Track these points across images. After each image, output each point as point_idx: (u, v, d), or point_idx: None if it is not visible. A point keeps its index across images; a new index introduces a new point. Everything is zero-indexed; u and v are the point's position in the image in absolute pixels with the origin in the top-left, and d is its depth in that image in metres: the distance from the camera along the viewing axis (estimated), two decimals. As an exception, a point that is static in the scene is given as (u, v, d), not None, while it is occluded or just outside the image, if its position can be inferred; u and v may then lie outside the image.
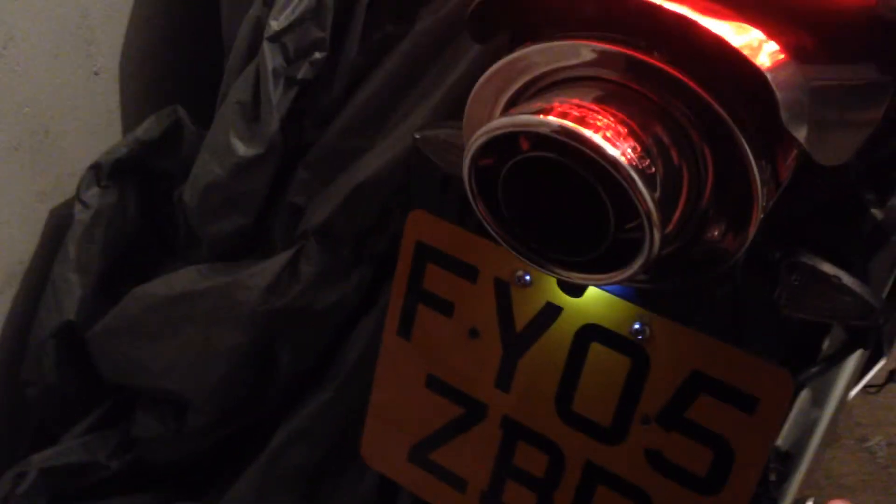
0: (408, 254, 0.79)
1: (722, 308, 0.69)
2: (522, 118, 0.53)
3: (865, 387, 1.49)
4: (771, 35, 0.54)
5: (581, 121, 0.51)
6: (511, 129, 0.53)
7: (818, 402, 1.00)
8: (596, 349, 0.71)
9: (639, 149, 0.51)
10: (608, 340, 0.70)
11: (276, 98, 1.09)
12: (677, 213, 0.56)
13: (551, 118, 0.51)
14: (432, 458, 0.82)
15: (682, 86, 0.54)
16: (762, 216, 0.57)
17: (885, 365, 1.34)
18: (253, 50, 1.15)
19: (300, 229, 1.12)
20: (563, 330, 0.72)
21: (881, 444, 1.74)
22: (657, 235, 0.51)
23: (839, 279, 0.62)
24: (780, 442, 0.88)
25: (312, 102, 1.13)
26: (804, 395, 0.98)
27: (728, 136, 0.54)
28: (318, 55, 1.10)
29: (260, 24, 1.15)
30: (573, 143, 0.50)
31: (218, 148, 1.12)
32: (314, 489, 1.14)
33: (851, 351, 0.80)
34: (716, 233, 0.60)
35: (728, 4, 0.55)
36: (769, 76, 0.51)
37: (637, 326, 0.68)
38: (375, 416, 0.85)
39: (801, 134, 0.53)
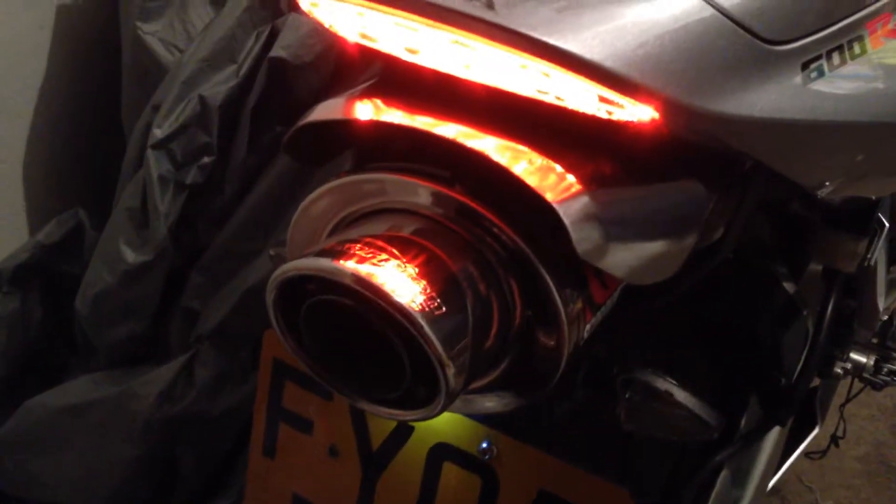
0: (266, 371, 0.77)
1: (564, 425, 0.68)
2: (314, 262, 0.52)
3: (808, 454, 1.48)
4: (569, 165, 0.54)
5: (374, 266, 0.50)
6: (304, 272, 0.52)
7: (739, 482, 0.99)
8: (448, 468, 0.70)
9: (429, 290, 0.50)
10: (459, 459, 0.69)
11: (165, 205, 1.09)
12: (490, 341, 0.55)
13: (343, 264, 0.50)
14: (302, 580, 0.79)
15: (485, 218, 0.53)
16: (575, 340, 0.56)
17: (825, 430, 1.33)
18: (140, 157, 1.15)
19: (195, 333, 1.11)
20: (416, 448, 0.71)
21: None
22: (451, 374, 0.50)
23: (671, 395, 0.62)
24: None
25: (204, 206, 1.12)
26: (723, 476, 0.97)
27: (532, 268, 0.54)
28: (206, 159, 1.10)
29: (147, 132, 1.15)
30: (364, 291, 0.49)
31: (108, 255, 1.11)
32: None
33: (768, 429, 0.78)
34: (541, 350, 0.59)
35: (527, 137, 0.55)
36: (560, 209, 0.51)
37: (484, 445, 0.67)
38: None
39: (601, 262, 0.53)
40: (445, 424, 0.69)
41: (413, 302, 0.49)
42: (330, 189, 0.60)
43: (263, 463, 0.80)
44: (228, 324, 1.09)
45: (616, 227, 0.54)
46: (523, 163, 0.53)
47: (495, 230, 0.54)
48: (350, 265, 0.50)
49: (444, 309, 0.50)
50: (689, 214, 0.59)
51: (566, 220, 0.51)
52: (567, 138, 0.56)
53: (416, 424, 0.70)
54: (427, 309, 0.49)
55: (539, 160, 0.54)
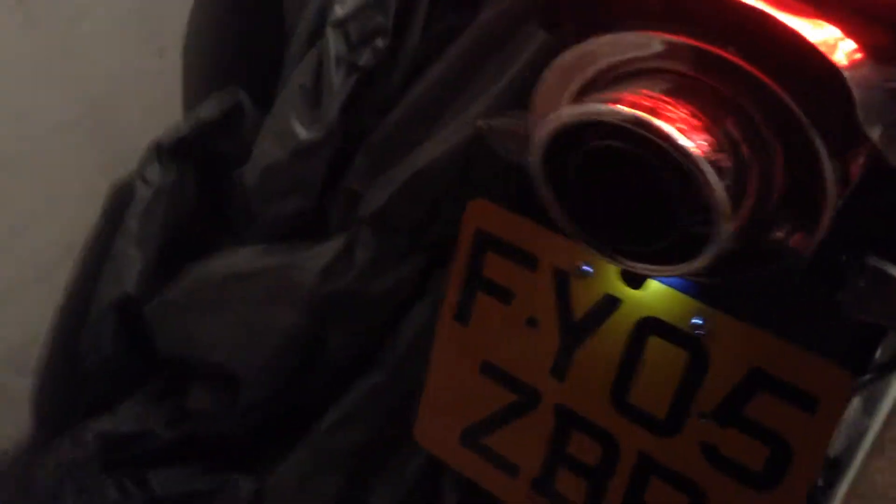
0: (467, 241, 0.80)
1: (783, 306, 0.69)
2: (594, 107, 0.53)
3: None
4: (847, 33, 0.54)
5: (653, 111, 0.51)
6: (583, 117, 0.53)
7: (868, 410, 1.00)
8: (654, 342, 0.71)
9: (711, 141, 0.51)
10: (667, 334, 0.71)
11: (338, 84, 1.11)
12: (746, 210, 0.56)
13: (623, 108, 0.52)
14: (484, 443, 0.83)
15: (755, 81, 0.54)
16: (832, 216, 0.57)
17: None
18: (315, 35, 1.17)
19: (357, 215, 1.14)
20: (621, 322, 0.73)
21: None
22: (727, 229, 0.52)
23: (906, 283, 0.62)
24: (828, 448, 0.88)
25: (372, 90, 1.14)
26: (855, 402, 0.97)
27: (801, 134, 0.54)
28: (380, 43, 1.11)
29: (323, 9, 1.16)
30: (645, 133, 0.50)
31: (279, 131, 1.14)
32: (361, 470, 1.16)
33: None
34: (783, 231, 0.60)
35: (803, 1, 0.55)
36: (846, 74, 0.51)
37: (697, 321, 0.69)
38: (429, 398, 0.86)
39: (874, 133, 0.53)
40: (656, 299, 0.71)
41: (699, 147, 0.50)
42: (579, 52, 0.60)
43: (455, 328, 0.82)
44: (390, 208, 1.11)
45: (891, 101, 0.54)
46: (803, 23, 0.53)
47: (766, 95, 0.54)
48: (632, 110, 0.51)
49: (726, 163, 0.51)
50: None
51: (851, 85, 0.51)
52: (841, 5, 0.56)
53: (624, 298, 0.72)
54: (712, 157, 0.50)
55: (818, 23, 0.54)
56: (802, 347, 0.65)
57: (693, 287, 0.69)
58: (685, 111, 0.52)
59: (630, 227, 0.56)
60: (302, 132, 1.12)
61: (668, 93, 0.54)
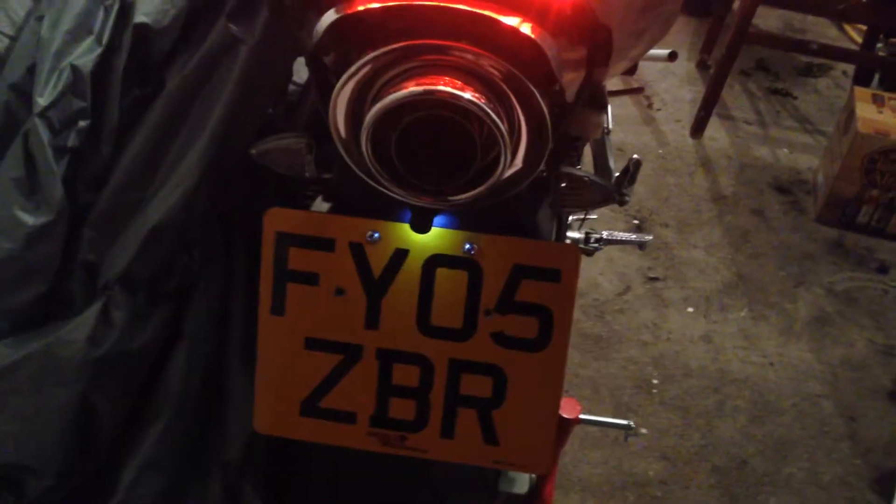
0: (269, 245, 0.97)
1: (521, 216, 0.98)
2: (404, 93, 0.77)
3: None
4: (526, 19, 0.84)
5: (444, 85, 0.77)
6: (400, 101, 0.77)
7: None
8: (441, 273, 0.96)
9: (484, 98, 0.78)
10: (448, 263, 0.96)
11: (55, 167, 1.18)
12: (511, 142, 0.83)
13: (427, 86, 0.76)
14: (322, 406, 1.00)
15: (489, 58, 0.81)
16: (549, 144, 0.87)
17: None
18: (8, 132, 1.22)
19: (101, 282, 1.21)
20: (412, 266, 0.96)
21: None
22: (508, 153, 0.79)
23: (589, 178, 0.95)
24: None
25: (83, 167, 1.23)
26: None
27: (523, 85, 0.82)
28: (82, 123, 1.21)
29: (8, 105, 1.22)
30: (452, 101, 0.75)
31: (3, 225, 1.17)
32: (169, 512, 1.23)
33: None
34: (521, 159, 0.88)
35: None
36: (540, 43, 0.81)
37: (468, 246, 0.95)
38: (263, 388, 1.01)
39: (563, 78, 0.84)
40: (434, 240, 0.95)
41: (483, 102, 0.77)
42: (361, 65, 0.83)
43: (273, 321, 0.99)
44: (135, 265, 1.21)
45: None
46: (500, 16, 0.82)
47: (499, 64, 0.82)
48: (442, 87, 0.76)
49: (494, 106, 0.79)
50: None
51: (545, 48, 0.81)
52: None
53: (410, 247, 0.95)
54: (491, 107, 0.77)
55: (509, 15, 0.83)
56: (540, 240, 0.95)
57: (459, 222, 0.95)
58: (458, 82, 0.78)
59: (440, 172, 0.81)
60: (30, 219, 1.17)
61: (439, 72, 0.79)
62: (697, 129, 3.10)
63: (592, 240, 1.57)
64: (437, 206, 0.85)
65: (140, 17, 1.22)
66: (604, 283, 2.47)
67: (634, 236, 1.65)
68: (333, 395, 1.00)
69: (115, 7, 1.24)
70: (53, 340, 1.16)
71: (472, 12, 0.80)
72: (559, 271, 0.95)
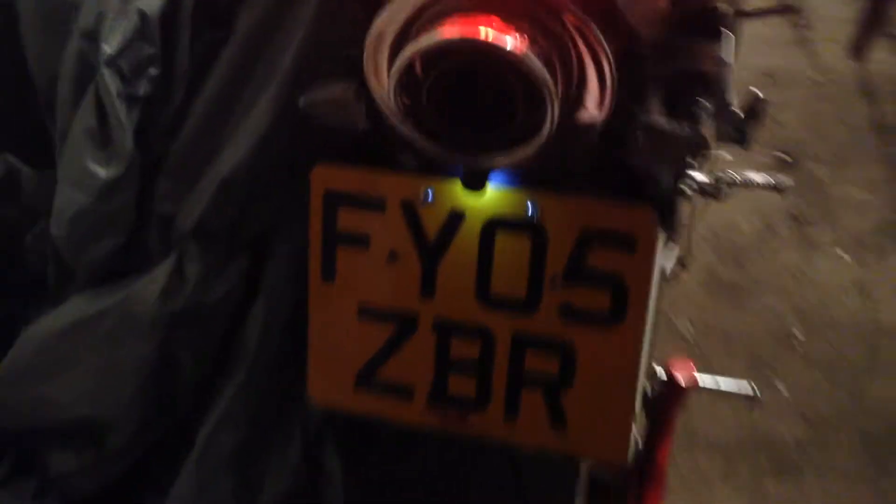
0: (317, 205, 0.89)
1: (589, 173, 0.85)
2: (436, 40, 0.66)
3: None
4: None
5: (485, 30, 0.65)
6: (439, 44, 0.66)
7: None
8: (500, 237, 0.85)
9: (527, 43, 0.66)
10: (509, 227, 0.85)
11: (125, 118, 1.15)
12: (561, 93, 0.71)
13: (461, 32, 0.65)
14: (378, 379, 0.93)
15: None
16: (613, 91, 0.73)
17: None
18: (81, 78, 1.20)
19: (176, 234, 1.18)
20: (469, 230, 0.86)
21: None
22: (556, 107, 0.67)
23: (669, 129, 0.81)
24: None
25: (155, 116, 1.19)
26: None
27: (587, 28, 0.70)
28: (153, 71, 1.16)
29: (83, 53, 1.19)
30: (487, 48, 0.64)
31: (76, 177, 1.16)
32: (249, 470, 1.21)
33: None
34: (581, 111, 0.76)
35: None
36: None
37: (530, 207, 0.84)
38: (317, 357, 0.95)
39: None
40: (492, 202, 0.84)
41: (526, 48, 0.65)
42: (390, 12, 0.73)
43: (324, 287, 0.92)
44: (208, 217, 1.17)
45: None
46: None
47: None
48: (472, 31, 0.65)
49: (541, 56, 0.66)
50: None
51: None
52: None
53: (466, 209, 0.85)
54: (532, 52, 0.65)
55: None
56: (612, 200, 0.82)
57: (519, 180, 0.84)
58: (505, 26, 0.66)
59: (478, 127, 0.70)
60: (102, 172, 1.15)
61: (486, 8, 0.68)
62: (858, 50, 2.76)
63: (722, 183, 1.40)
64: (482, 166, 0.74)
65: (206, -43, 1.15)
66: (742, 223, 2.27)
67: (773, 180, 1.46)
68: (389, 367, 0.92)
69: (184, -55, 1.17)
70: (128, 295, 1.15)
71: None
72: (634, 238, 0.82)
